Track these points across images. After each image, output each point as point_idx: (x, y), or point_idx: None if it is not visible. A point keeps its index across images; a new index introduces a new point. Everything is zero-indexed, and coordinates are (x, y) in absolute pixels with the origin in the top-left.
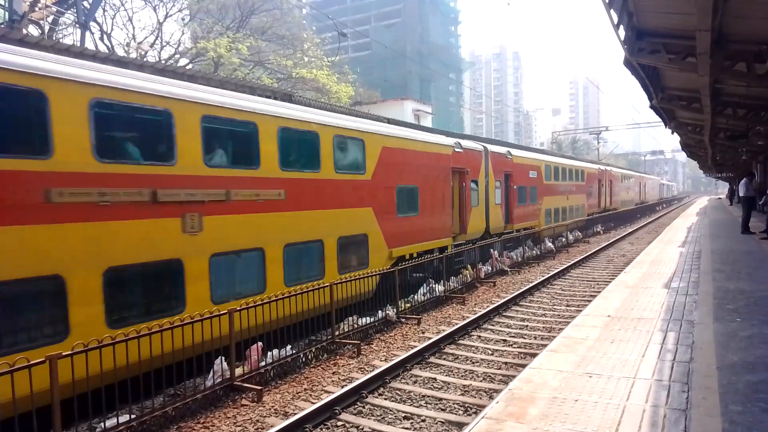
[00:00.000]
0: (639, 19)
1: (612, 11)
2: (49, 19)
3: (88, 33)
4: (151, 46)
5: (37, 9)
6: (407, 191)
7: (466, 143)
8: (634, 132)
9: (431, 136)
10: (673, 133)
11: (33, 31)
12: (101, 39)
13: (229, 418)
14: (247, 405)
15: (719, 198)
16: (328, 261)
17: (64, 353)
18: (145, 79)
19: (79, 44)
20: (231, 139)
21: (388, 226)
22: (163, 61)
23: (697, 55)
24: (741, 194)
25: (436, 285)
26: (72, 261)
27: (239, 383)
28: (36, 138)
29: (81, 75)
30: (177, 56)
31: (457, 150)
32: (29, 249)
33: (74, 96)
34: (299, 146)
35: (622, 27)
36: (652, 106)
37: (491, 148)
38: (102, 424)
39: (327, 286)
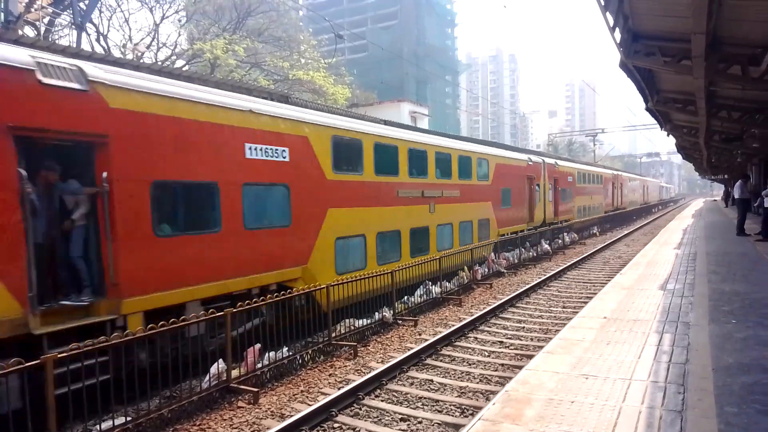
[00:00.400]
0: (635, 21)
1: (608, 14)
2: (45, 20)
3: (84, 34)
4: (148, 47)
5: (33, 10)
6: (506, 191)
7: (533, 157)
8: (630, 134)
9: (515, 153)
10: (668, 135)
11: (29, 32)
12: (97, 40)
13: (225, 420)
14: (243, 407)
15: (715, 200)
16: (474, 232)
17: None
18: (344, 117)
19: (75, 45)
20: (443, 163)
21: (498, 214)
22: (159, 63)
23: (692, 58)
24: (736, 196)
25: (433, 286)
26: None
27: (235, 385)
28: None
29: (327, 122)
30: (173, 57)
31: (529, 162)
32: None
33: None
34: (465, 165)
35: (617, 30)
36: (647, 109)
37: (547, 159)
38: (98, 426)
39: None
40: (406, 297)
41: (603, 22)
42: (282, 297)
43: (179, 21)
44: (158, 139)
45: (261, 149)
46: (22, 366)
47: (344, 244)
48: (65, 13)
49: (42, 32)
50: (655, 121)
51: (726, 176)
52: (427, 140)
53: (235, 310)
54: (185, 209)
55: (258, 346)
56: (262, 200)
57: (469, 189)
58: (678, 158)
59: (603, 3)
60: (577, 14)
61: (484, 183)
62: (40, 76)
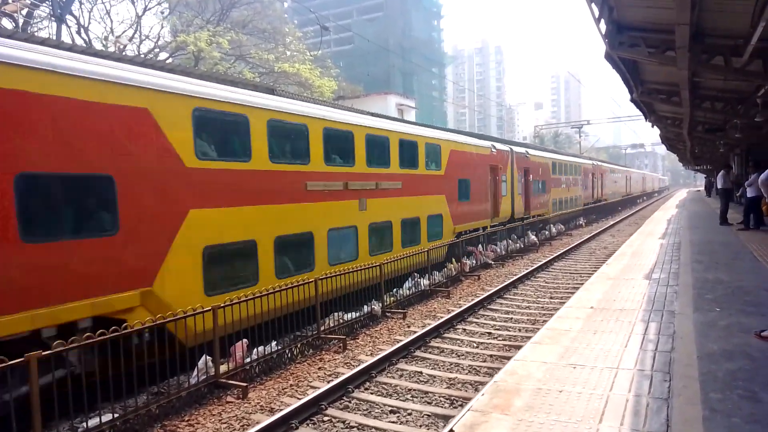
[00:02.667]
0: (619, 12)
1: (593, 5)
2: (24, 12)
3: (64, 26)
4: (130, 39)
5: (10, 1)
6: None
7: (498, 145)
8: (615, 125)
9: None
10: (653, 126)
11: (6, 23)
12: (78, 32)
13: (214, 415)
14: (232, 402)
15: (698, 190)
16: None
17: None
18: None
19: (54, 38)
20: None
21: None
22: (142, 56)
23: (676, 49)
24: (719, 186)
25: (422, 279)
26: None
27: (224, 380)
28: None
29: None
30: (156, 50)
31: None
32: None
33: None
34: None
35: (603, 21)
36: (632, 100)
37: (515, 148)
38: (84, 424)
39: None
40: (395, 289)
41: (588, 14)
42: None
43: (162, 13)
44: (461, 161)
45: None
46: (5, 365)
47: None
48: (44, 4)
49: (20, 24)
50: (640, 113)
51: (709, 167)
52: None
53: (484, 232)
54: (464, 191)
55: (245, 341)
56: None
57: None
58: (662, 149)
59: None
60: (562, 6)
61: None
62: None
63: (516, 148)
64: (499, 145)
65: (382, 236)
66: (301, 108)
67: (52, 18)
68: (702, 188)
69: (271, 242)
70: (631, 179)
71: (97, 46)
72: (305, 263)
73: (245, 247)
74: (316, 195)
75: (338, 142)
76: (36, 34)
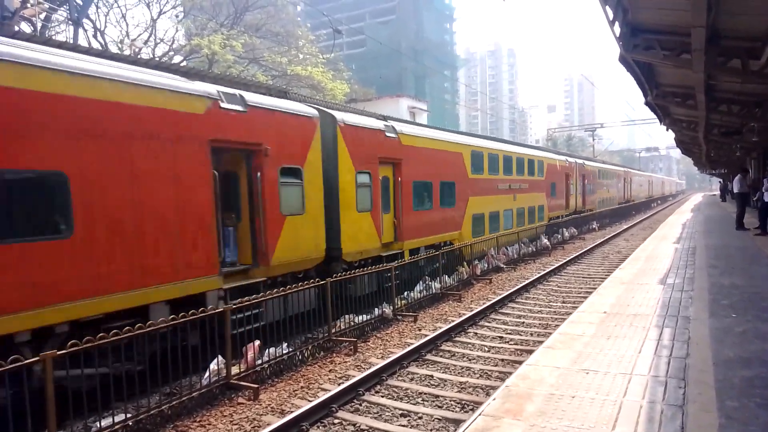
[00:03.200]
0: (634, 15)
1: (607, 7)
2: (42, 16)
3: (81, 30)
4: (145, 43)
5: (29, 5)
6: (553, 185)
7: (569, 159)
8: (629, 129)
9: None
10: (667, 129)
11: (25, 27)
12: (94, 36)
13: (225, 416)
14: (243, 403)
15: (713, 194)
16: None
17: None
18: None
19: (72, 41)
20: (517, 164)
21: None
22: (156, 59)
23: (692, 52)
24: (735, 190)
25: (433, 282)
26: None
27: (235, 381)
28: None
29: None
30: (171, 53)
31: (566, 163)
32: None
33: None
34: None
35: (617, 23)
36: (647, 103)
37: (577, 160)
38: (98, 423)
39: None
40: (405, 292)
41: (602, 16)
42: None
43: (176, 17)
44: (554, 170)
45: None
46: (18, 364)
47: (475, 219)
48: (62, 8)
49: (38, 28)
50: (655, 116)
51: (725, 170)
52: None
53: (564, 219)
54: (555, 190)
55: (258, 342)
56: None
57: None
58: (677, 153)
59: None
60: (576, 8)
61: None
62: None
63: (578, 160)
64: (570, 159)
65: (521, 216)
66: (493, 145)
67: (69, 22)
68: (717, 192)
69: (488, 215)
70: (653, 183)
71: (113, 49)
72: (496, 227)
73: (481, 217)
74: (500, 191)
75: (505, 162)
76: (53, 37)
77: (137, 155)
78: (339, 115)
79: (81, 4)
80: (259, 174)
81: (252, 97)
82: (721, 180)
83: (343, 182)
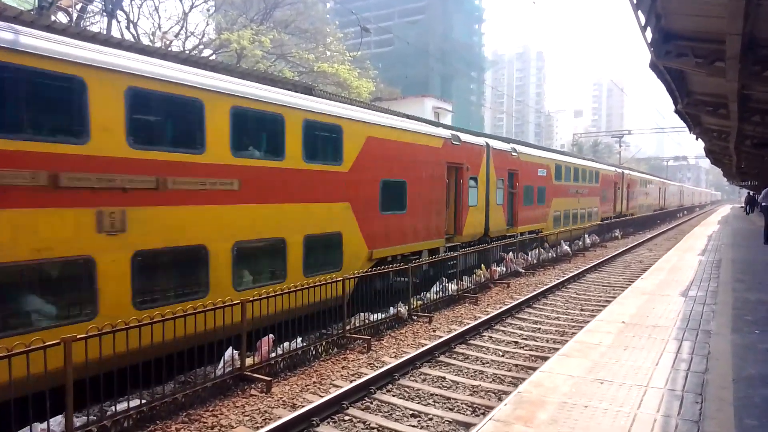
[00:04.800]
0: (667, 21)
1: (639, 12)
2: (78, 7)
3: (114, 21)
4: (176, 36)
5: None
6: (604, 191)
7: (465, 137)
8: (658, 136)
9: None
10: (697, 139)
11: (62, 18)
12: (127, 27)
13: (237, 407)
14: (255, 395)
15: (742, 206)
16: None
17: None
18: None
19: (105, 32)
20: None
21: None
22: (187, 51)
23: (726, 60)
24: (764, 204)
25: (449, 284)
26: None
27: (249, 373)
28: None
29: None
30: (201, 47)
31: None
32: None
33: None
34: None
35: (649, 29)
36: (677, 111)
37: (494, 143)
38: (113, 408)
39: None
40: (422, 293)
41: (634, 21)
42: None
43: (208, 11)
44: (608, 179)
45: None
46: (36, 347)
47: (559, 216)
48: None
49: (74, 19)
50: (684, 124)
51: (756, 182)
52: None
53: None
54: (608, 196)
55: (272, 336)
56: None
57: (591, 189)
58: (706, 162)
59: (635, 1)
60: (607, 12)
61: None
62: None
63: (496, 143)
64: (466, 137)
65: (583, 216)
66: (566, 158)
67: (104, 13)
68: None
69: (562, 213)
70: (683, 194)
71: (145, 41)
72: (567, 223)
73: (566, 215)
74: (570, 195)
75: (574, 173)
76: (88, 28)
77: (423, 170)
78: (490, 142)
79: None
80: (461, 181)
81: (462, 136)
82: (750, 192)
83: (491, 186)
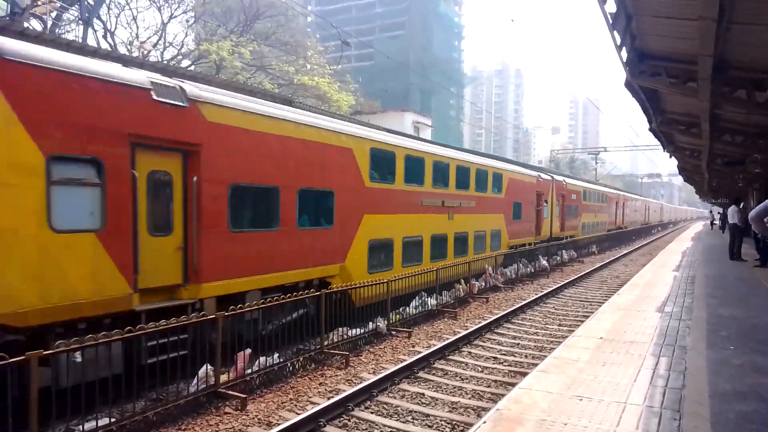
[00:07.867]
0: (642, 41)
1: (615, 33)
2: (53, 14)
3: (90, 30)
4: (154, 46)
5: (40, 3)
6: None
7: (543, 174)
8: (632, 154)
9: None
10: (671, 156)
11: (35, 25)
12: (104, 37)
13: (210, 425)
14: (230, 413)
15: (715, 223)
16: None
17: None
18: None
19: (81, 41)
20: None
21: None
22: (165, 62)
23: (698, 80)
24: (729, 221)
25: (429, 298)
26: None
27: (223, 390)
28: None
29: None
30: (179, 57)
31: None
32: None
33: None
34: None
35: (624, 49)
36: (651, 129)
37: (555, 176)
38: (80, 426)
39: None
40: (401, 308)
41: (610, 41)
42: None
43: (187, 21)
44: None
45: None
46: (5, 362)
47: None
48: (73, 8)
49: (48, 26)
50: (658, 142)
51: (726, 200)
52: (603, 189)
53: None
54: (636, 215)
55: (248, 350)
56: None
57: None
58: (679, 180)
59: (611, 22)
60: (584, 32)
61: (603, 204)
62: None
63: (556, 177)
64: (543, 175)
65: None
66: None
67: (80, 21)
68: (717, 222)
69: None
70: (663, 211)
71: (122, 50)
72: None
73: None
74: (591, 208)
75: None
76: (62, 36)
77: (527, 195)
78: (553, 176)
79: (92, 4)
80: (542, 203)
81: (542, 174)
82: (720, 210)
83: (553, 204)
